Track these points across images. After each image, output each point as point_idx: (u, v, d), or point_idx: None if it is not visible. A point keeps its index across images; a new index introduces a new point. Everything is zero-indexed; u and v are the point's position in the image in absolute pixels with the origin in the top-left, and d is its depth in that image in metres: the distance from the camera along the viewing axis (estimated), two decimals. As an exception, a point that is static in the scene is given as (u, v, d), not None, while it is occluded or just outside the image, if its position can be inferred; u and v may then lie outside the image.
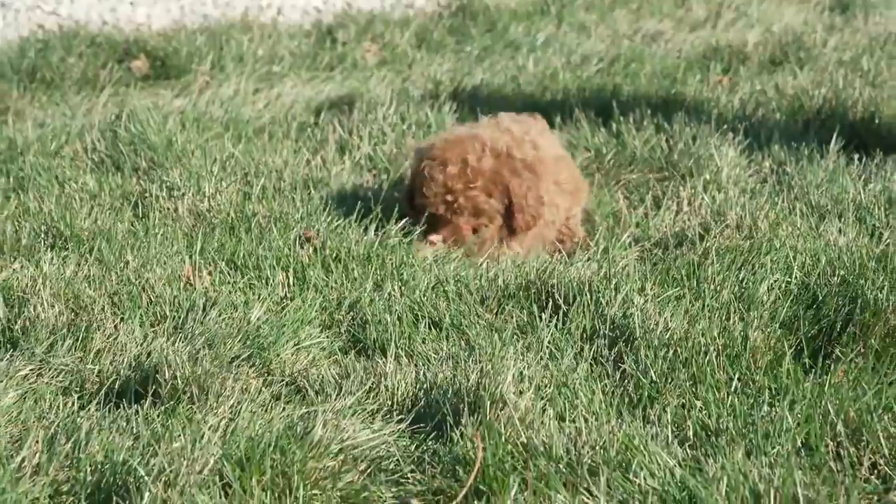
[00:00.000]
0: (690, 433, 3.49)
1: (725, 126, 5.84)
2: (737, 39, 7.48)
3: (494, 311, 4.27)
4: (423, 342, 4.08)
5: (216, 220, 4.96)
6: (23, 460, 3.38)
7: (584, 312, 4.13)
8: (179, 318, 4.18)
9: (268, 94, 6.74)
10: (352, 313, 4.29)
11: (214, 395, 3.71)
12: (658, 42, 7.62)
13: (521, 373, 3.78)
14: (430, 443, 3.56)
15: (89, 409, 3.70)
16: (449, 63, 7.27)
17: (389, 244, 4.70)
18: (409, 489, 3.38)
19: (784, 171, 5.44)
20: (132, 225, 4.93)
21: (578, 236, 5.01)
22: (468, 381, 3.68)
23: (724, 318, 4.05)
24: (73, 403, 3.74)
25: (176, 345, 3.97)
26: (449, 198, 4.79)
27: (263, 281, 4.48)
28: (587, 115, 6.02)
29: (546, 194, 4.87)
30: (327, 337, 4.18)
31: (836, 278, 4.21)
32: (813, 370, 3.80)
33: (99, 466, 3.35)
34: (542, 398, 3.68)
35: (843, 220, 4.84)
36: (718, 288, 4.23)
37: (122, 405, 3.72)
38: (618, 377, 3.82)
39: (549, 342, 4.01)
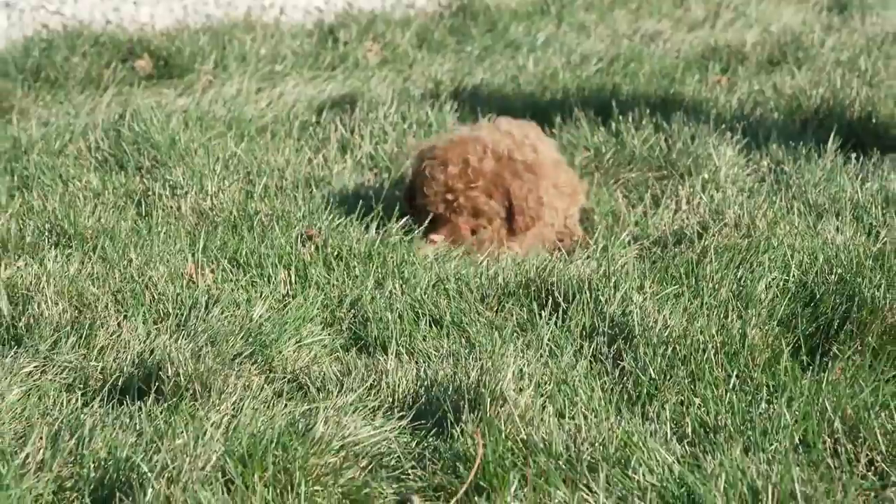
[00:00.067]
0: (689, 430, 3.50)
1: (724, 125, 5.84)
2: (735, 39, 7.47)
3: (495, 308, 4.27)
4: (424, 340, 4.08)
5: (219, 219, 4.96)
6: (27, 456, 3.38)
7: (583, 310, 4.14)
8: (182, 315, 4.19)
9: (270, 94, 6.74)
10: (353, 311, 4.30)
11: (217, 391, 3.71)
12: (657, 42, 7.61)
13: (521, 370, 3.79)
14: (430, 439, 3.56)
15: (93, 406, 3.70)
16: (449, 63, 7.27)
17: (390, 242, 4.71)
18: (410, 485, 3.39)
19: (782, 170, 5.44)
20: (135, 223, 4.93)
21: (577, 235, 5.03)
22: (468, 378, 3.69)
23: (722, 315, 4.05)
24: (76, 400, 3.75)
25: (179, 342, 3.97)
26: (449, 197, 4.80)
27: (265, 279, 4.49)
28: (587, 115, 6.02)
29: (546, 195, 4.89)
30: (329, 334, 4.19)
31: (833, 276, 4.21)
32: (810, 368, 3.81)
33: (102, 463, 3.36)
34: (542, 395, 3.69)
35: (840, 218, 4.84)
36: (717, 286, 4.24)
37: (125, 402, 3.72)
38: (617, 374, 3.82)
39: (548, 340, 4.01)
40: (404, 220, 4.86)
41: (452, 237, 4.81)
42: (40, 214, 4.97)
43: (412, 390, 3.79)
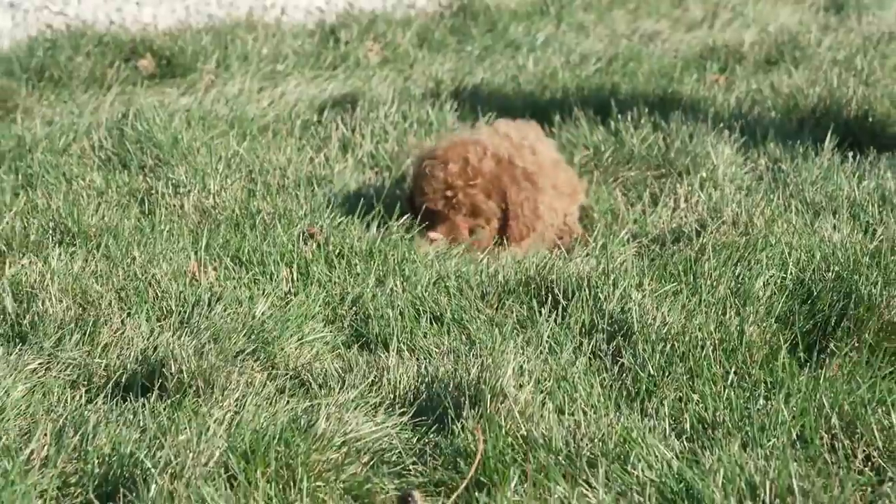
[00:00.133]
0: (687, 426, 3.52)
1: (722, 124, 5.85)
2: (733, 39, 7.48)
3: (495, 306, 4.29)
4: (425, 337, 4.09)
5: (221, 217, 4.97)
6: (31, 452, 3.40)
7: (582, 307, 4.15)
8: (185, 312, 4.19)
9: (272, 93, 6.74)
10: (354, 308, 4.31)
11: (220, 388, 3.73)
12: (655, 42, 7.61)
13: (521, 367, 3.80)
14: (431, 435, 3.58)
15: (97, 403, 3.72)
16: (450, 62, 7.28)
17: (391, 240, 4.72)
18: (412, 481, 3.40)
19: (779, 168, 5.45)
20: (139, 221, 4.93)
21: (577, 233, 5.05)
22: (469, 374, 3.70)
23: (720, 312, 4.06)
24: (80, 397, 3.76)
25: (182, 339, 3.98)
26: (448, 193, 4.81)
27: (268, 276, 4.50)
28: (586, 114, 6.03)
29: (543, 205, 4.90)
30: (330, 331, 4.19)
31: (830, 274, 4.22)
32: (808, 364, 3.82)
33: (106, 458, 3.38)
34: (542, 391, 3.70)
35: (837, 216, 4.84)
36: (715, 283, 4.24)
37: (128, 398, 3.73)
38: (616, 371, 3.84)
39: (548, 337, 4.02)
40: (405, 217, 4.87)
41: (451, 235, 4.82)
42: (44, 213, 4.97)
43: (413, 387, 3.79)
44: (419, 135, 5.94)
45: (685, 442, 3.45)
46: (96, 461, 3.37)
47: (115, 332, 4.06)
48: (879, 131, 5.86)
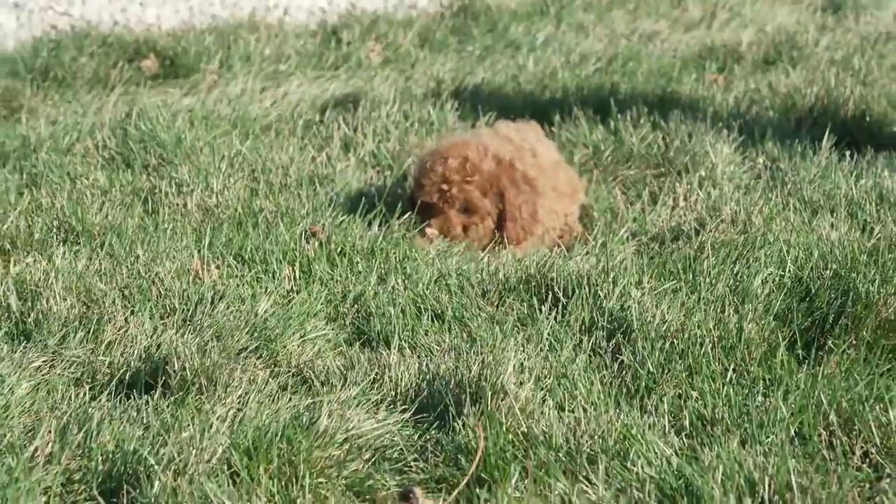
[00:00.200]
0: (687, 423, 3.52)
1: (720, 124, 5.85)
2: (731, 39, 7.48)
3: (495, 303, 4.29)
4: (426, 334, 4.10)
5: (224, 216, 4.98)
6: (36, 449, 3.41)
7: (582, 305, 4.15)
8: (188, 310, 4.20)
9: (274, 93, 6.73)
10: (356, 306, 4.32)
11: (222, 385, 3.73)
12: (654, 42, 7.61)
13: (522, 364, 3.80)
14: (432, 432, 3.58)
15: (100, 400, 3.72)
16: (451, 62, 7.28)
17: (393, 239, 4.73)
18: (413, 478, 3.41)
19: (777, 167, 5.46)
20: (142, 220, 4.94)
21: (577, 231, 5.06)
22: (470, 372, 3.71)
23: (719, 310, 4.07)
24: (84, 394, 3.77)
25: (185, 337, 3.99)
26: (444, 187, 4.82)
27: (270, 274, 4.50)
28: (585, 113, 6.03)
29: (542, 209, 4.90)
30: (332, 329, 4.20)
31: (828, 272, 4.22)
32: (806, 361, 3.83)
33: (110, 455, 3.38)
34: (542, 389, 3.71)
35: (835, 215, 4.85)
36: (714, 281, 4.25)
37: (132, 396, 3.74)
38: (616, 368, 3.84)
39: (548, 334, 4.03)
40: (406, 216, 4.88)
41: (444, 229, 4.83)
42: (49, 211, 4.97)
43: (414, 384, 3.80)
44: (420, 134, 5.95)
45: (684, 439, 3.46)
46: (100, 458, 3.38)
47: (118, 330, 4.07)
48: (877, 130, 5.86)
